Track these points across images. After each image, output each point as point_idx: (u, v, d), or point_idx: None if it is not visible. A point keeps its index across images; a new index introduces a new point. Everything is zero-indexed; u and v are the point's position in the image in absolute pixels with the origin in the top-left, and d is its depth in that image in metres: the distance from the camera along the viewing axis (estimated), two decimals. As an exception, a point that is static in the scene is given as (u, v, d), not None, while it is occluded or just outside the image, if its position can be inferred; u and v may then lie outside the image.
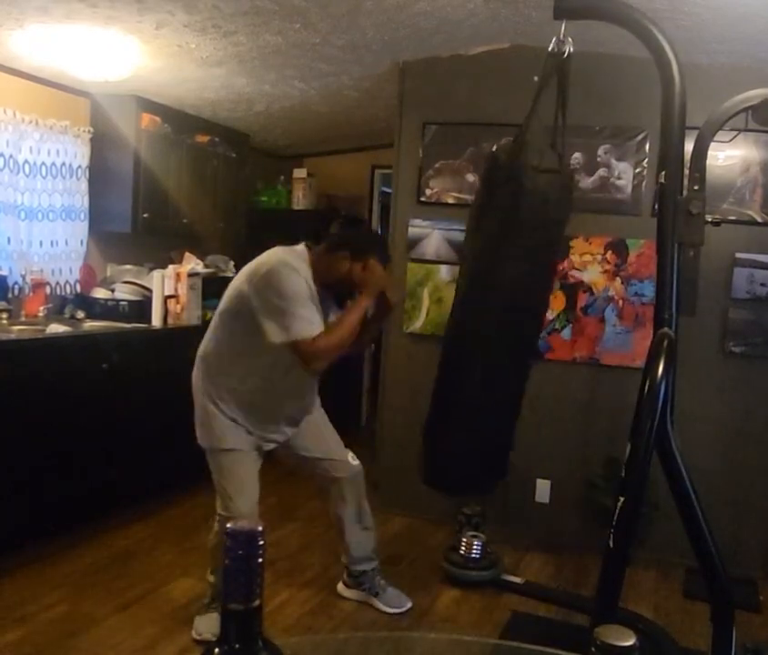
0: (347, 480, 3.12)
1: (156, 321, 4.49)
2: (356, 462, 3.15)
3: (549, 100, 2.63)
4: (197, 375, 2.90)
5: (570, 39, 2.41)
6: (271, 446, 2.97)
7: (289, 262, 2.70)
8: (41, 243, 4.33)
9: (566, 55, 2.42)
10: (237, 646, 0.74)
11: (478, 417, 2.82)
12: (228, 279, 5.16)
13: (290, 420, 2.97)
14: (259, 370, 2.80)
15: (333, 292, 2.83)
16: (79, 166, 4.53)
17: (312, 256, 2.79)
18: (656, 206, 3.34)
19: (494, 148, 2.57)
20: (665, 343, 2.28)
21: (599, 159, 3.94)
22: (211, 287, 4.92)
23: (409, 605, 3.26)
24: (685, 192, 2.40)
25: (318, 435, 3.10)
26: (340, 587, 3.35)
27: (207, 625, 2.88)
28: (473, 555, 3.53)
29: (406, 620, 3.16)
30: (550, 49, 2.44)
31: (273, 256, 2.74)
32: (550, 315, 3.94)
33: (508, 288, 2.57)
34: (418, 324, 4.28)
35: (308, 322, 2.61)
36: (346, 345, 2.71)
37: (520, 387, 2.94)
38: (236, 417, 2.82)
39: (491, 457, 3.00)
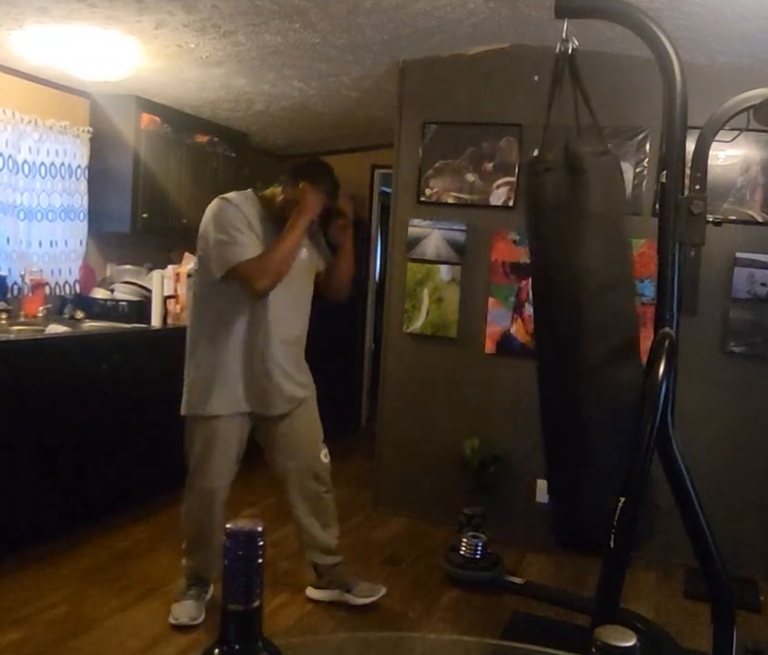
0: (316, 472, 3.07)
1: (156, 321, 4.49)
2: (326, 460, 3.11)
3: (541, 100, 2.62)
4: (188, 355, 2.95)
5: (573, 38, 2.41)
6: (254, 406, 2.93)
7: (222, 197, 2.85)
8: (40, 243, 4.33)
9: (571, 52, 2.42)
10: (237, 646, 0.74)
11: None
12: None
13: (281, 378, 2.92)
14: (236, 323, 2.84)
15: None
16: (79, 167, 4.53)
17: (261, 197, 2.91)
18: (657, 206, 3.34)
19: (535, 153, 2.54)
20: (666, 343, 2.28)
21: (599, 159, 3.93)
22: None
23: (383, 591, 3.20)
24: (686, 192, 2.39)
25: (303, 424, 3.05)
26: (310, 590, 3.26)
27: (184, 610, 2.95)
28: (474, 555, 3.53)
29: (406, 621, 3.16)
30: (557, 50, 2.43)
31: (216, 199, 2.88)
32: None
33: (586, 273, 2.46)
34: (418, 324, 4.28)
35: (242, 246, 2.71)
36: (284, 265, 2.75)
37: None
38: (222, 374, 2.84)
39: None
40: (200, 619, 2.96)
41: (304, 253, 2.94)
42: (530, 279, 2.84)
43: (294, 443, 3.04)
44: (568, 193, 2.38)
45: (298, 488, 3.08)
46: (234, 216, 2.76)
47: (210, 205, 2.86)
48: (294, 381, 2.99)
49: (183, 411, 2.93)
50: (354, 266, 3.16)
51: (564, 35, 2.40)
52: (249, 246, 2.73)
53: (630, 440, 2.41)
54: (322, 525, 3.15)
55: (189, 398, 2.91)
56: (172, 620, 2.94)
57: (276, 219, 2.84)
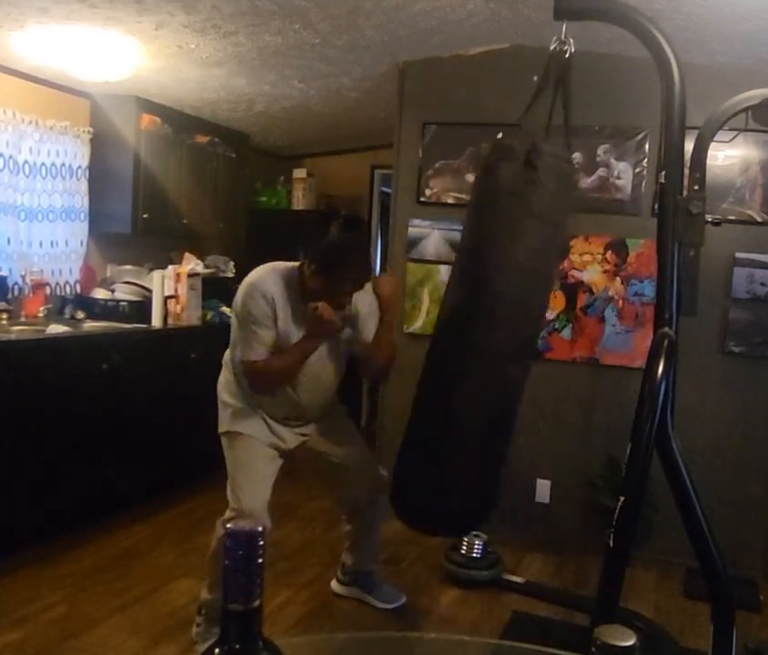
0: (370, 490, 3.04)
1: (156, 321, 4.49)
2: (384, 472, 3.05)
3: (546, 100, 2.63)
4: (220, 379, 2.95)
5: (571, 40, 2.41)
6: (289, 444, 2.92)
7: (255, 281, 2.72)
8: (41, 243, 4.33)
9: (567, 55, 2.42)
10: (237, 646, 0.74)
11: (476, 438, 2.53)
12: (228, 280, 5.24)
13: (303, 414, 2.93)
14: None
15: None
16: (79, 167, 4.53)
17: (301, 275, 2.74)
18: (656, 206, 3.35)
19: (499, 135, 2.52)
20: (665, 343, 2.28)
21: (598, 159, 3.94)
22: (211, 288, 4.93)
23: (404, 600, 3.27)
24: (685, 192, 2.40)
25: (344, 440, 3.04)
26: (334, 584, 3.35)
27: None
28: (474, 554, 3.53)
29: (406, 620, 3.16)
30: (551, 49, 2.43)
31: (252, 273, 2.78)
32: (549, 315, 3.94)
33: (519, 274, 2.47)
34: (418, 324, 4.28)
35: (253, 344, 2.66)
36: (282, 378, 2.72)
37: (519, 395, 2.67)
38: (252, 405, 2.84)
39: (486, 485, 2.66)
40: None
41: (323, 347, 2.80)
42: (456, 256, 2.82)
43: (343, 443, 3.02)
44: (521, 184, 2.37)
45: (346, 503, 3.14)
46: (257, 311, 2.66)
47: (243, 283, 2.75)
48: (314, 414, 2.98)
49: (220, 429, 2.91)
50: (393, 351, 2.88)
51: (563, 36, 2.40)
52: (259, 346, 2.67)
53: (486, 444, 2.45)
54: (366, 540, 3.23)
55: (223, 415, 2.90)
56: None
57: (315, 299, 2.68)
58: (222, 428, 2.89)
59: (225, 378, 2.93)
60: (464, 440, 2.52)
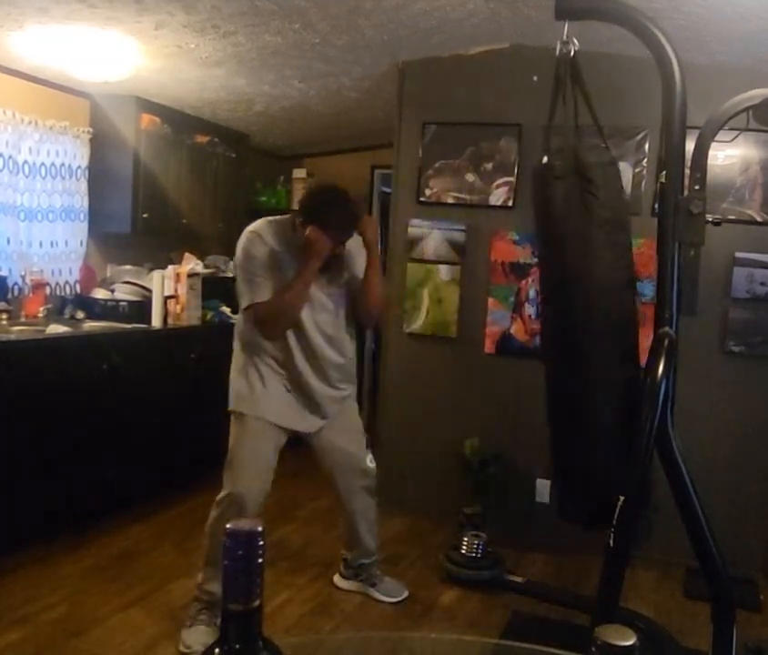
0: (362, 479, 3.14)
1: (156, 321, 4.49)
2: (372, 464, 3.19)
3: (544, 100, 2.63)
4: (234, 357, 2.98)
5: (574, 39, 2.41)
6: (299, 426, 2.98)
7: (254, 229, 2.85)
8: (41, 243, 4.33)
9: (572, 54, 2.42)
10: (237, 646, 0.74)
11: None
12: (228, 279, 5.24)
13: (316, 398, 2.97)
14: (268, 348, 2.88)
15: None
16: (79, 167, 4.53)
17: (293, 221, 2.89)
18: (656, 206, 3.35)
19: (544, 160, 2.55)
20: (666, 342, 2.28)
21: (599, 159, 3.93)
22: (211, 288, 4.93)
23: (406, 593, 3.32)
24: (686, 192, 2.39)
25: (346, 429, 3.11)
26: (337, 578, 3.40)
27: (196, 636, 2.79)
28: (474, 554, 3.53)
29: (406, 620, 3.16)
30: (557, 53, 2.44)
31: (249, 226, 2.89)
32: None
33: (604, 281, 2.49)
34: (418, 324, 4.28)
35: (257, 288, 2.76)
36: (291, 311, 2.78)
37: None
38: (262, 387, 2.88)
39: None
40: None
41: (322, 286, 2.91)
42: (540, 285, 2.85)
43: (339, 452, 3.08)
44: (578, 200, 2.40)
45: (346, 493, 3.16)
46: (258, 255, 2.78)
47: (242, 236, 2.86)
48: (331, 390, 3.03)
49: (231, 406, 2.95)
50: (381, 286, 3.06)
51: (564, 36, 2.40)
52: (263, 290, 2.76)
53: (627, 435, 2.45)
54: (364, 531, 3.24)
55: (232, 394, 2.95)
56: (183, 649, 2.80)
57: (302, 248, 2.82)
58: (231, 405, 2.94)
59: (235, 352, 2.97)
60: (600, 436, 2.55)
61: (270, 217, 2.92)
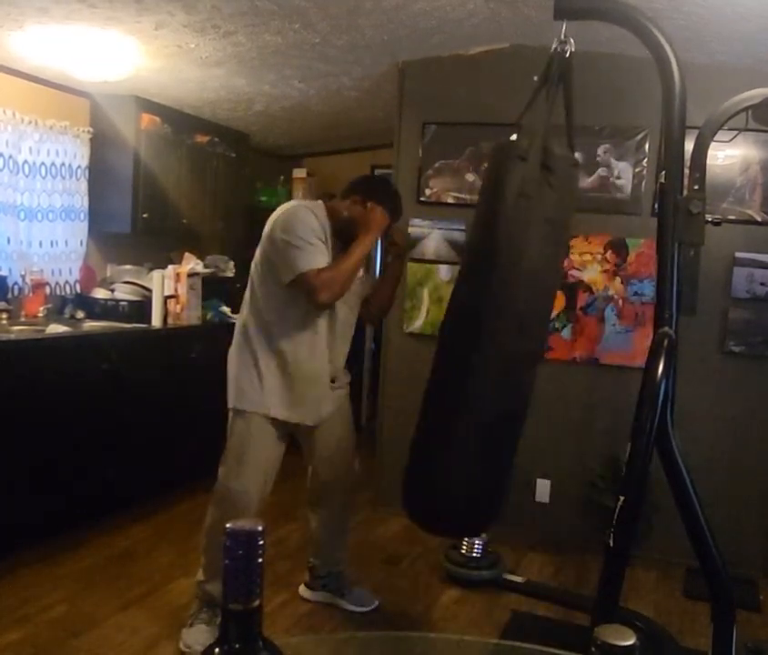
0: (347, 480, 3.10)
1: (156, 321, 4.49)
2: (358, 468, 3.16)
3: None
4: (233, 349, 2.89)
5: (571, 39, 2.41)
6: (302, 419, 2.89)
7: (304, 204, 2.92)
8: (41, 243, 4.33)
9: (568, 54, 2.42)
10: (237, 646, 0.74)
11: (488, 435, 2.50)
12: (228, 279, 5.24)
13: (323, 388, 2.92)
14: (292, 324, 2.80)
15: (346, 242, 2.82)
16: (79, 167, 4.53)
17: (328, 207, 2.88)
18: (656, 206, 3.35)
19: (513, 137, 2.51)
20: (666, 342, 2.28)
21: (598, 159, 3.94)
22: (211, 288, 4.93)
23: (376, 603, 3.21)
24: (685, 192, 2.39)
25: (339, 430, 3.05)
26: (302, 589, 3.28)
27: (196, 636, 2.78)
28: (474, 554, 3.53)
29: (406, 620, 3.16)
30: (552, 49, 2.43)
31: (291, 203, 2.92)
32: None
33: (531, 276, 2.46)
34: (418, 324, 4.28)
35: (313, 254, 2.68)
36: (349, 281, 2.75)
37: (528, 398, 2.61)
38: (273, 382, 2.79)
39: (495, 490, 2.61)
40: None
41: (360, 274, 2.93)
42: (461, 262, 2.88)
43: (330, 449, 3.02)
44: (535, 187, 2.37)
45: (324, 496, 3.11)
46: (312, 225, 2.73)
47: (284, 207, 2.81)
48: (338, 381, 2.99)
49: (228, 403, 2.86)
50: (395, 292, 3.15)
51: (563, 36, 2.40)
52: (320, 256, 2.70)
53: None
54: (337, 536, 3.19)
55: (234, 391, 2.84)
56: (183, 648, 2.79)
57: (338, 233, 2.82)
58: (232, 402, 2.84)
59: (238, 347, 2.86)
60: (474, 429, 2.47)
61: (301, 201, 2.95)
